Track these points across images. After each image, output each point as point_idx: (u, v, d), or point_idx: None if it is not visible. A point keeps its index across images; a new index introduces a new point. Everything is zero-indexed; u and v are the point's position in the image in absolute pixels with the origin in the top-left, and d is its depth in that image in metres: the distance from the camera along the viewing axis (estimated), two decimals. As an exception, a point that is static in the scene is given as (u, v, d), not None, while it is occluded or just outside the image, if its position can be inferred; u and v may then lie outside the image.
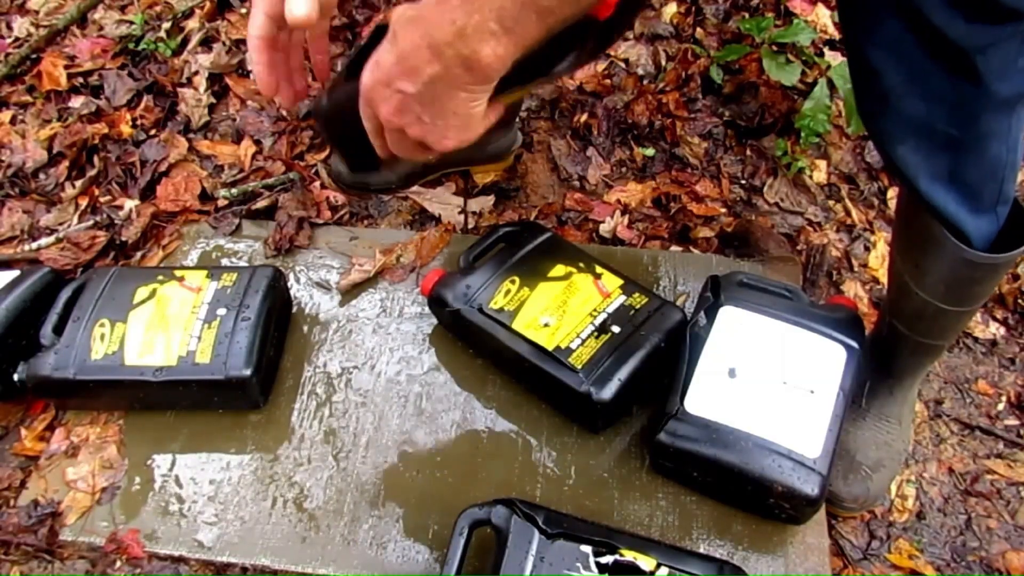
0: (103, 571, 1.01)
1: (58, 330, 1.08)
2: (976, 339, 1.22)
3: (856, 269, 1.29)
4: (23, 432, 1.13)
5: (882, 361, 1.04)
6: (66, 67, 1.56)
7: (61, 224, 1.36)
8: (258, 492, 1.05)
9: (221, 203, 1.37)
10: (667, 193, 1.37)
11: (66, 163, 1.43)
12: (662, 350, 1.03)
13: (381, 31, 0.57)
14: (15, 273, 1.16)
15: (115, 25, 1.64)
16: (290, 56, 0.68)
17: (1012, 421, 1.15)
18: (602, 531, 0.90)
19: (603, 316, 1.05)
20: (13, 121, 1.51)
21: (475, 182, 1.40)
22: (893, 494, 1.07)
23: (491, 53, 0.53)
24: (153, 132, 1.48)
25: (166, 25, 1.62)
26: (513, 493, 0.98)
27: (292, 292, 1.23)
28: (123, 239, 1.31)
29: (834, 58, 1.45)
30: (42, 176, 1.43)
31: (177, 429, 1.10)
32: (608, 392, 0.99)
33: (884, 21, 0.66)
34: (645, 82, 1.51)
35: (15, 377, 1.08)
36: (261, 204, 1.36)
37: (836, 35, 1.50)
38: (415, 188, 1.38)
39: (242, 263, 1.28)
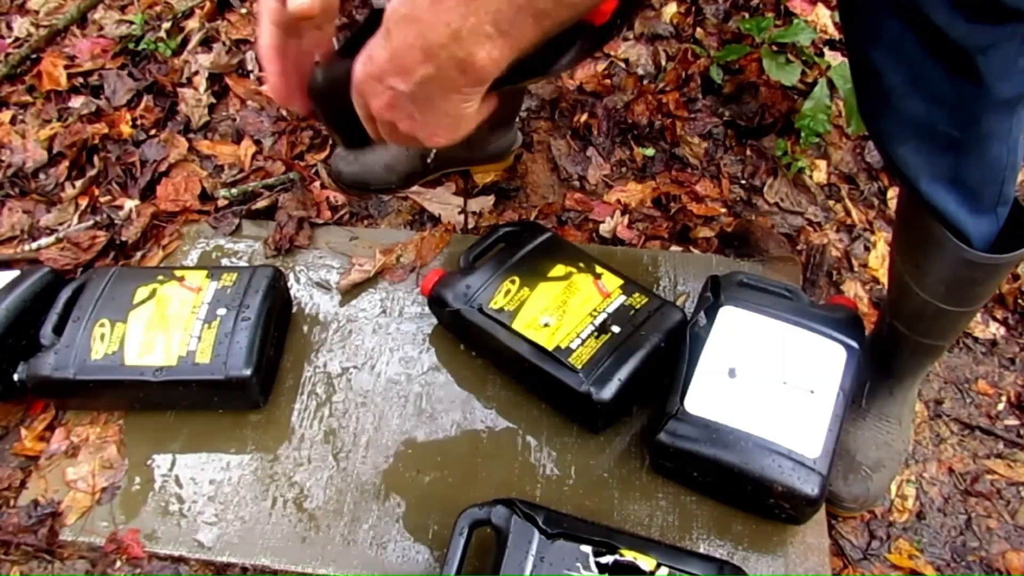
0: (103, 571, 1.01)
1: (58, 330, 1.08)
2: (976, 339, 1.22)
3: (856, 269, 1.29)
4: (23, 432, 1.13)
5: (882, 361, 1.04)
6: (66, 67, 1.56)
7: (61, 224, 1.36)
8: (258, 492, 1.05)
9: (221, 203, 1.37)
10: (667, 193, 1.37)
11: (66, 163, 1.43)
12: (662, 350, 1.03)
13: (377, 15, 0.57)
14: (15, 273, 1.16)
15: (115, 25, 1.64)
16: (301, 64, 0.68)
17: (1012, 421, 1.15)
18: (602, 531, 0.90)
19: (603, 316, 1.05)
20: (13, 121, 1.51)
21: (475, 182, 1.40)
22: (893, 494, 1.07)
23: (486, 56, 0.53)
24: (153, 132, 1.48)
25: (166, 25, 1.62)
26: (513, 493, 0.98)
27: (292, 292, 1.23)
28: (123, 239, 1.31)
29: (834, 58, 1.45)
30: (42, 176, 1.43)
31: (177, 429, 1.10)
32: (608, 392, 0.99)
33: (885, 21, 0.66)
34: (645, 82, 1.51)
35: (15, 377, 1.08)
36: (261, 204, 1.36)
37: (836, 35, 1.50)
38: (415, 188, 1.38)
39: (242, 263, 1.28)
